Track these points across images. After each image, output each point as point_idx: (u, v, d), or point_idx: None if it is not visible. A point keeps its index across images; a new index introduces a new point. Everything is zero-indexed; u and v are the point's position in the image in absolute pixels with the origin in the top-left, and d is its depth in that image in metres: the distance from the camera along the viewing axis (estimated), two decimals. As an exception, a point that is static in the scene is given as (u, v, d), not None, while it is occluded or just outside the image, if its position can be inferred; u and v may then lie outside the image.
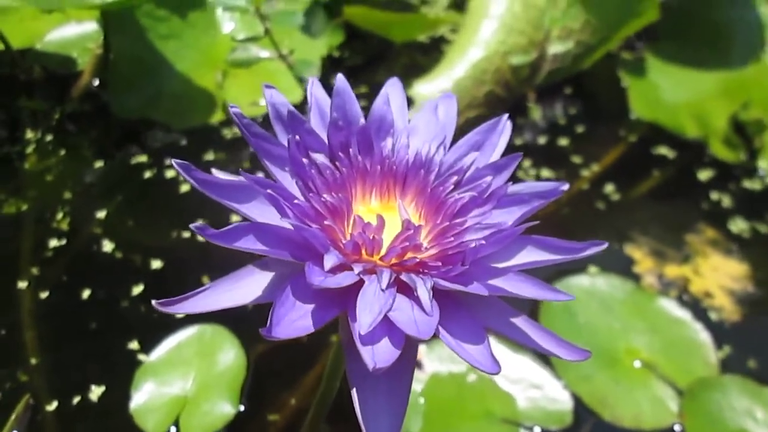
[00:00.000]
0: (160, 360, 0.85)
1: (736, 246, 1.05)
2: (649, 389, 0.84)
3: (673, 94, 1.28)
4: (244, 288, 0.41)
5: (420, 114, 0.49)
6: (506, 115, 0.49)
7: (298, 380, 0.85)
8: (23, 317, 0.92)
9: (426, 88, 1.21)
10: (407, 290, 0.38)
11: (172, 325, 0.88)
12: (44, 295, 0.94)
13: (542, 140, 1.23)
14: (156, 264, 0.98)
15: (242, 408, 0.80)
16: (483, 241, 0.40)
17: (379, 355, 0.34)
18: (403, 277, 0.39)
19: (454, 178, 0.45)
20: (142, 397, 0.81)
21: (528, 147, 1.22)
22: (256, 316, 0.90)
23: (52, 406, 0.80)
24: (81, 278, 0.97)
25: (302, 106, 1.24)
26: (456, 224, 0.43)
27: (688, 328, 0.91)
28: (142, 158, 1.17)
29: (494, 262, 0.42)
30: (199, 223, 0.36)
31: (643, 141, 1.24)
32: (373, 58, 1.42)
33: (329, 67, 1.37)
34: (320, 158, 0.44)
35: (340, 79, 0.46)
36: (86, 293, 0.94)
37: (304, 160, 0.42)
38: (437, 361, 0.85)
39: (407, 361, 0.38)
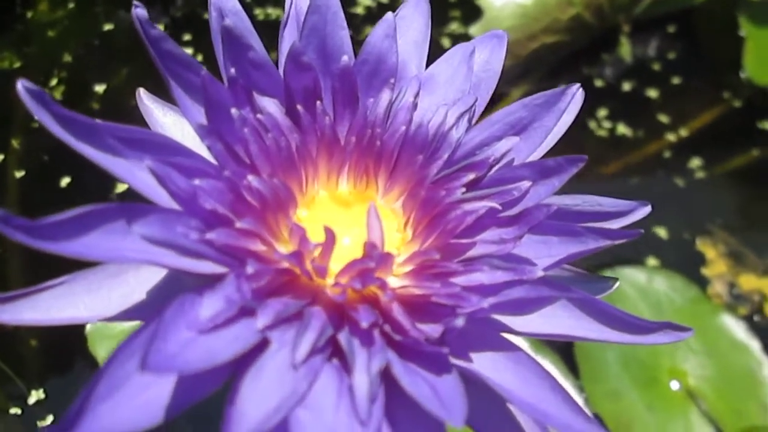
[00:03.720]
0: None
1: (837, 264, 0.85)
2: (687, 424, 0.69)
3: (804, 57, 1.02)
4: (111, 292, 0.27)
5: (445, 59, 0.32)
6: (577, 86, 0.31)
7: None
8: (-2, 194, 0.82)
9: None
10: (344, 356, 0.23)
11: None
12: (20, 174, 0.83)
13: (627, 86, 1.01)
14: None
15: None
16: (485, 304, 0.24)
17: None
18: (341, 337, 0.23)
19: (471, 176, 0.28)
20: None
21: (609, 92, 1.00)
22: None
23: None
24: (63, 162, 0.85)
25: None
26: (453, 248, 0.27)
27: (751, 358, 0.74)
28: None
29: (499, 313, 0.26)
30: (5, 212, 0.21)
31: (749, 108, 1.01)
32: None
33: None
34: (270, 107, 0.28)
35: (324, -15, 0.29)
36: (65, 181, 0.82)
37: (234, 111, 0.26)
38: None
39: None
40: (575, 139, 0.94)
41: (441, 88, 0.31)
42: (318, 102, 0.28)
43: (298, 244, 0.25)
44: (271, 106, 0.28)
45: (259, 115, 0.27)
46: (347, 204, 0.30)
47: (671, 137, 0.96)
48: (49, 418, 0.66)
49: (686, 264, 0.82)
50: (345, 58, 0.29)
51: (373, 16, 1.06)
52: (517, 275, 0.25)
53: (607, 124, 0.96)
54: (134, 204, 0.24)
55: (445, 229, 0.28)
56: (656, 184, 0.92)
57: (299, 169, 0.28)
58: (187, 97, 0.28)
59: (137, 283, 0.28)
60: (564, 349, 0.72)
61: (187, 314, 0.21)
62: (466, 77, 0.31)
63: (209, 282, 0.25)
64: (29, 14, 1.03)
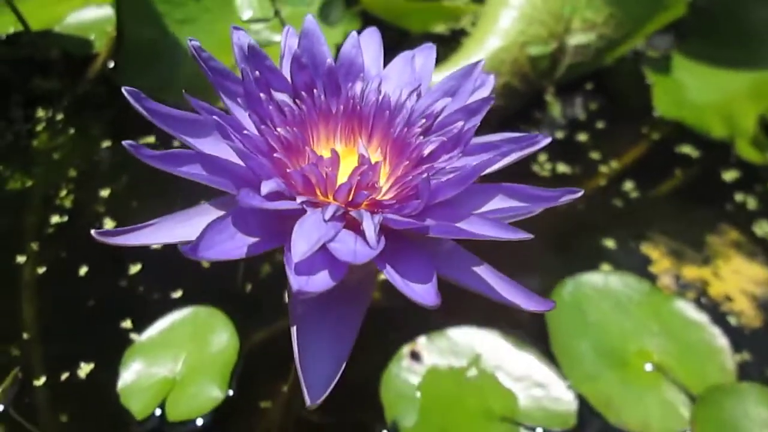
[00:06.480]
0: (151, 340, 0.82)
1: (761, 249, 0.98)
2: (660, 394, 0.79)
3: (700, 93, 1.22)
4: (193, 224, 0.38)
5: (394, 63, 0.46)
6: (482, 62, 0.45)
7: (292, 369, 0.82)
8: (19, 292, 0.91)
9: (439, 77, 1.18)
10: (356, 227, 0.35)
11: (168, 306, 0.85)
12: (41, 270, 0.93)
13: (560, 135, 1.19)
14: (156, 245, 0.96)
15: (231, 393, 0.77)
16: (442, 178, 0.37)
17: (312, 284, 0.31)
18: (353, 212, 0.35)
19: (423, 122, 0.42)
20: (130, 376, 0.78)
21: (545, 142, 1.17)
22: (252, 300, 0.88)
23: (41, 381, 0.78)
24: (80, 255, 0.96)
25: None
26: (419, 167, 0.40)
27: (704, 332, 0.85)
28: (150, 139, 1.16)
29: (459, 208, 0.39)
30: (134, 142, 0.33)
31: (667, 140, 1.18)
32: (389, 48, 1.39)
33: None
34: (282, 96, 0.42)
35: (308, 20, 0.44)
36: (83, 270, 0.93)
37: (262, 95, 0.40)
38: (437, 354, 0.81)
39: (353, 303, 0.35)
40: (522, 182, 1.09)
41: (394, 80, 0.46)
42: (314, 90, 0.42)
43: (315, 161, 0.37)
44: (283, 96, 0.42)
45: (276, 99, 0.41)
46: (342, 157, 0.43)
47: (605, 169, 1.11)
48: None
49: (635, 265, 0.95)
50: (329, 60, 0.43)
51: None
52: (459, 170, 0.38)
53: (548, 166, 1.11)
54: (203, 153, 0.37)
55: (410, 156, 0.41)
56: (598, 208, 1.06)
57: (307, 131, 0.41)
58: (227, 99, 0.42)
59: (204, 221, 0.40)
60: (543, 348, 0.82)
61: (251, 194, 0.33)
62: (411, 73, 0.46)
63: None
64: (34, 143, 1.17)
